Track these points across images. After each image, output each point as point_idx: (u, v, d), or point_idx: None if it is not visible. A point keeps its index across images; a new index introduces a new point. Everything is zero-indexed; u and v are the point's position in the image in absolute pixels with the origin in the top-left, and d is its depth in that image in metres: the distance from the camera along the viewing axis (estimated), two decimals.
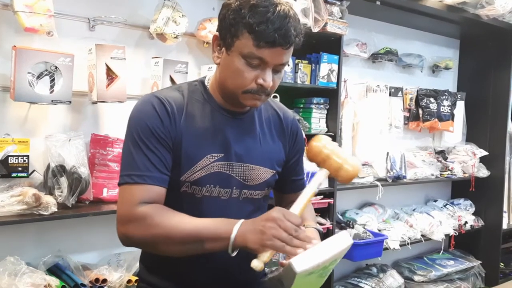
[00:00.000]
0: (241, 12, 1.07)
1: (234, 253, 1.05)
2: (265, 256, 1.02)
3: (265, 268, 1.03)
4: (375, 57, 3.29)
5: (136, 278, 2.00)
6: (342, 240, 1.06)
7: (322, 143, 1.14)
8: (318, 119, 2.79)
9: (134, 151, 1.11)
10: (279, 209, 1.04)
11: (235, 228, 1.04)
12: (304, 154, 1.27)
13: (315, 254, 0.99)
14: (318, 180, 1.12)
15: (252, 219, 1.06)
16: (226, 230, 1.04)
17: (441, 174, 3.57)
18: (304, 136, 1.44)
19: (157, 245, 1.09)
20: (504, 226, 3.77)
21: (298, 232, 1.01)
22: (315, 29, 2.54)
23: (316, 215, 2.38)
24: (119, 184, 1.12)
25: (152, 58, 2.28)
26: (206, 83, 1.23)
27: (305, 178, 1.42)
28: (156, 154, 1.11)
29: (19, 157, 1.92)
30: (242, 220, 1.06)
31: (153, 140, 1.11)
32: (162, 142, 1.12)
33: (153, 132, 1.11)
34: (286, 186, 1.37)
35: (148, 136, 1.11)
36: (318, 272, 1.02)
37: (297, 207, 1.09)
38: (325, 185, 2.82)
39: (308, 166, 2.57)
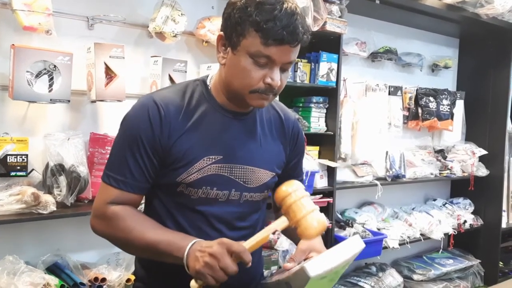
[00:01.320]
0: (247, 10, 1.05)
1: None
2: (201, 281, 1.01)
3: (264, 269, 1.02)
4: (374, 56, 3.29)
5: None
6: (355, 244, 1.06)
7: (290, 190, 1.09)
8: (317, 118, 2.79)
9: (118, 154, 1.14)
10: (224, 243, 1.01)
11: (187, 248, 1.03)
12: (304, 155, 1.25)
13: (329, 259, 1.00)
14: (273, 226, 1.07)
15: (207, 241, 1.04)
16: (178, 248, 1.05)
17: (440, 173, 3.57)
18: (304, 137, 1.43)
19: (118, 246, 1.18)
20: (503, 225, 3.77)
21: (232, 271, 0.99)
22: (314, 28, 2.54)
23: None
24: (101, 178, 1.16)
25: (151, 57, 2.28)
26: (208, 83, 1.21)
27: (304, 178, 1.41)
28: (139, 162, 1.12)
29: (18, 156, 1.92)
30: (195, 240, 1.05)
31: (140, 147, 1.11)
32: (148, 150, 1.12)
33: (142, 139, 1.11)
34: None
35: (135, 143, 1.11)
36: (330, 276, 1.02)
37: (246, 245, 1.05)
38: (324, 184, 2.82)
39: (307, 165, 2.60)
